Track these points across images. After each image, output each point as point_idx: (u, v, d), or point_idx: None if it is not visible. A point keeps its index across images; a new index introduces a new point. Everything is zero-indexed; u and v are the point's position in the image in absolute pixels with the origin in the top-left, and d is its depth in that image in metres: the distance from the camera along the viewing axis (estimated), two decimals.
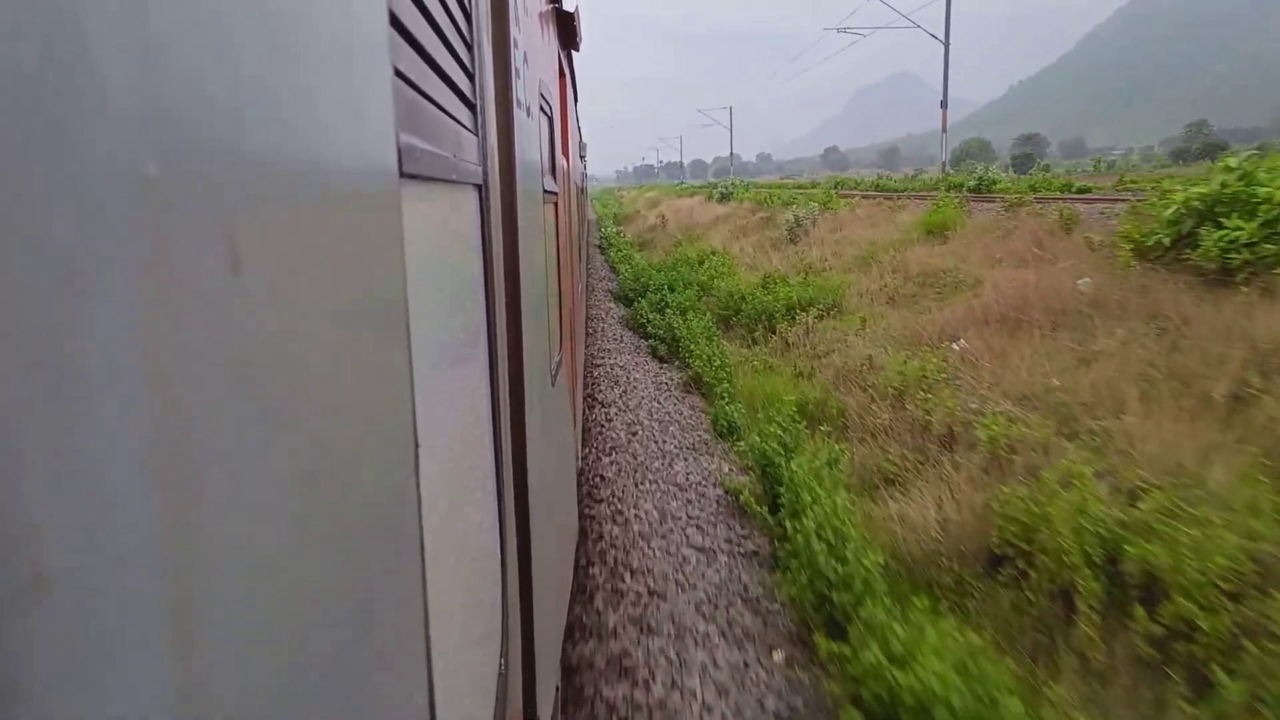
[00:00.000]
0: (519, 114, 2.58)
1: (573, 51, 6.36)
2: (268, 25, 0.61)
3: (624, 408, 12.43)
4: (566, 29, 5.55)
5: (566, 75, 6.21)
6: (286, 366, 0.63)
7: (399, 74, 1.01)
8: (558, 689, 3.94)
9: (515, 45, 2.49)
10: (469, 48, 1.68)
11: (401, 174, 1.00)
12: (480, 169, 1.79)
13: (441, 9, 1.39)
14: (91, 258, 0.40)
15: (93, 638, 0.39)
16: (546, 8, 4.21)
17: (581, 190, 17.85)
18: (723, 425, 11.53)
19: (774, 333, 16.98)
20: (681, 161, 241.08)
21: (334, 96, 0.75)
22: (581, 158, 17.75)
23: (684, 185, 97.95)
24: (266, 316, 0.59)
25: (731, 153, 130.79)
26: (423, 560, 1.04)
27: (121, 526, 0.41)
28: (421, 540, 1.04)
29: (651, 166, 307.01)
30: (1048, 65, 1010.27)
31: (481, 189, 1.82)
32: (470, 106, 1.73)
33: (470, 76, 1.71)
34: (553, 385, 3.82)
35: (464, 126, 1.63)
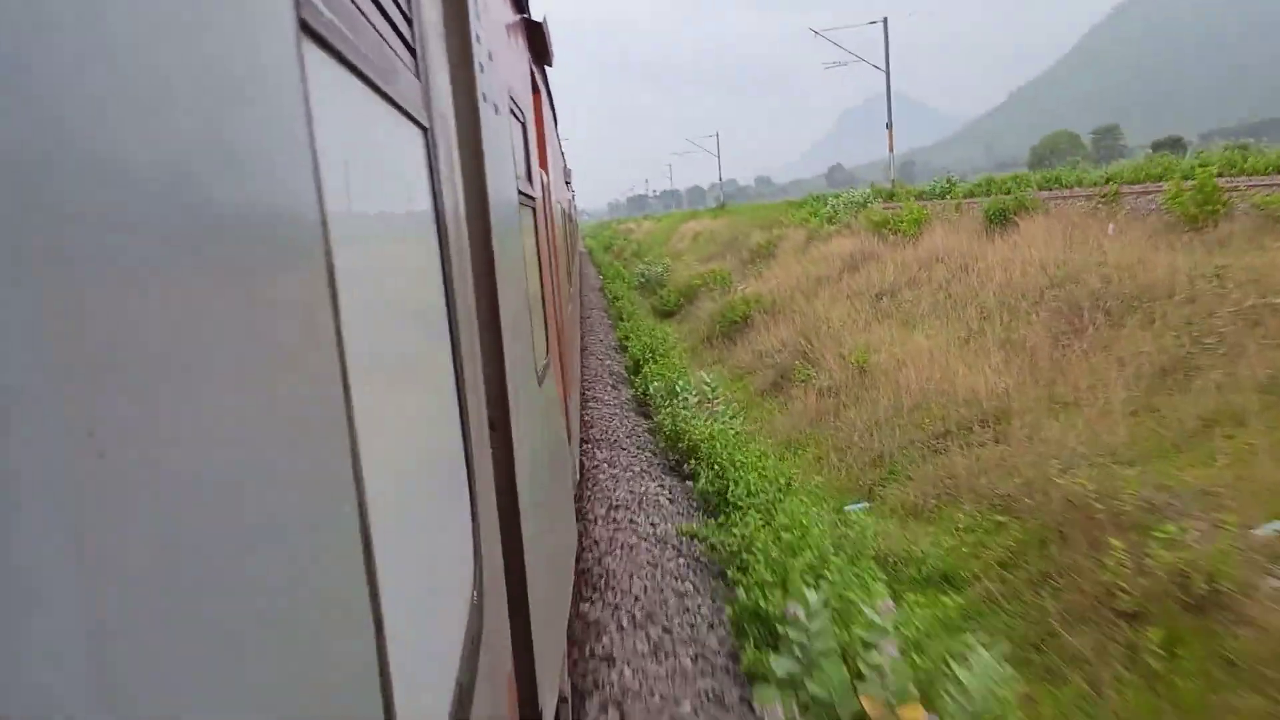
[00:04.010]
0: (485, 108, 2.54)
1: (546, 67, 6.43)
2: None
3: None
4: (537, 41, 5.56)
5: (541, 91, 6.23)
6: (203, 362, 0.62)
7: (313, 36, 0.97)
8: (566, 699, 3.78)
9: (478, 40, 2.46)
10: (409, 22, 1.66)
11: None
12: (425, 114, 1.72)
13: (390, 28, 1.38)
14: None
15: (6, 643, 0.40)
16: (515, 18, 4.24)
17: (569, 217, 17.52)
18: None
19: None
20: (675, 189, 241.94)
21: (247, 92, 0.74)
22: (566, 183, 17.55)
23: (715, 208, 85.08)
24: (184, 312, 0.59)
25: (720, 179, 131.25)
26: (370, 562, 1.01)
27: (31, 534, 0.42)
28: (367, 540, 1.01)
29: (644, 197, 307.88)
30: (1044, 71, 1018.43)
31: (428, 133, 1.75)
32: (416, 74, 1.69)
33: (409, 22, 1.67)
34: (540, 385, 3.79)
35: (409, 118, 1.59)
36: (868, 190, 37.49)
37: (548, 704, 2.94)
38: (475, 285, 2.33)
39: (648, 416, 15.51)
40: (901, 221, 25.59)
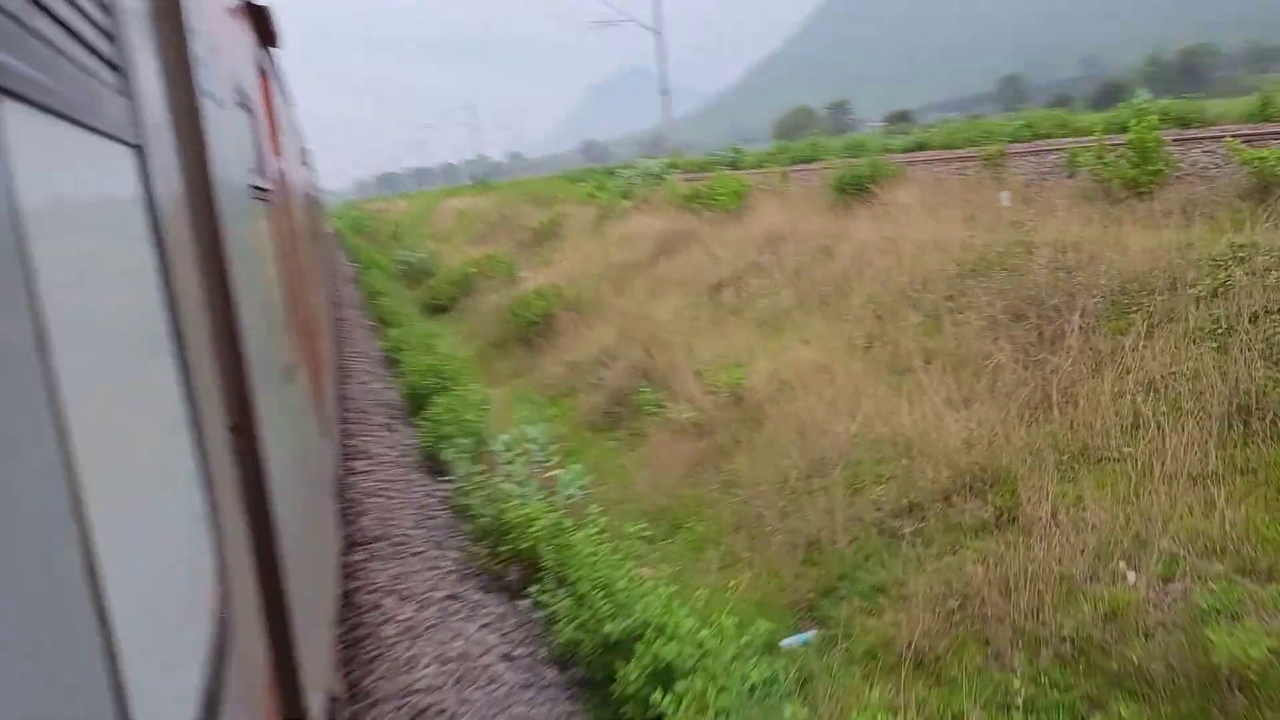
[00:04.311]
0: (206, 106, 2.50)
1: (274, 50, 6.29)
2: None
3: None
4: (262, 25, 5.39)
5: (271, 75, 6.24)
6: None
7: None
8: (337, 698, 3.90)
9: (194, 36, 2.42)
10: (110, 39, 1.61)
11: None
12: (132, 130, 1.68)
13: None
14: None
15: None
16: (236, 3, 4.20)
17: (312, 200, 16.70)
18: None
19: None
20: (427, 166, 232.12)
21: None
22: (306, 163, 16.61)
23: (475, 184, 77.65)
24: None
25: (477, 153, 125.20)
26: (95, 584, 1.01)
27: None
28: (90, 562, 1.01)
29: (395, 174, 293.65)
30: (776, 51, 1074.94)
31: (140, 150, 1.72)
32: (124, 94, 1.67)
33: (111, 39, 1.61)
34: (288, 383, 3.78)
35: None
36: (664, 160, 33.55)
37: (314, 703, 2.93)
38: (206, 288, 2.31)
39: (442, 473, 10.69)
40: (718, 195, 21.79)
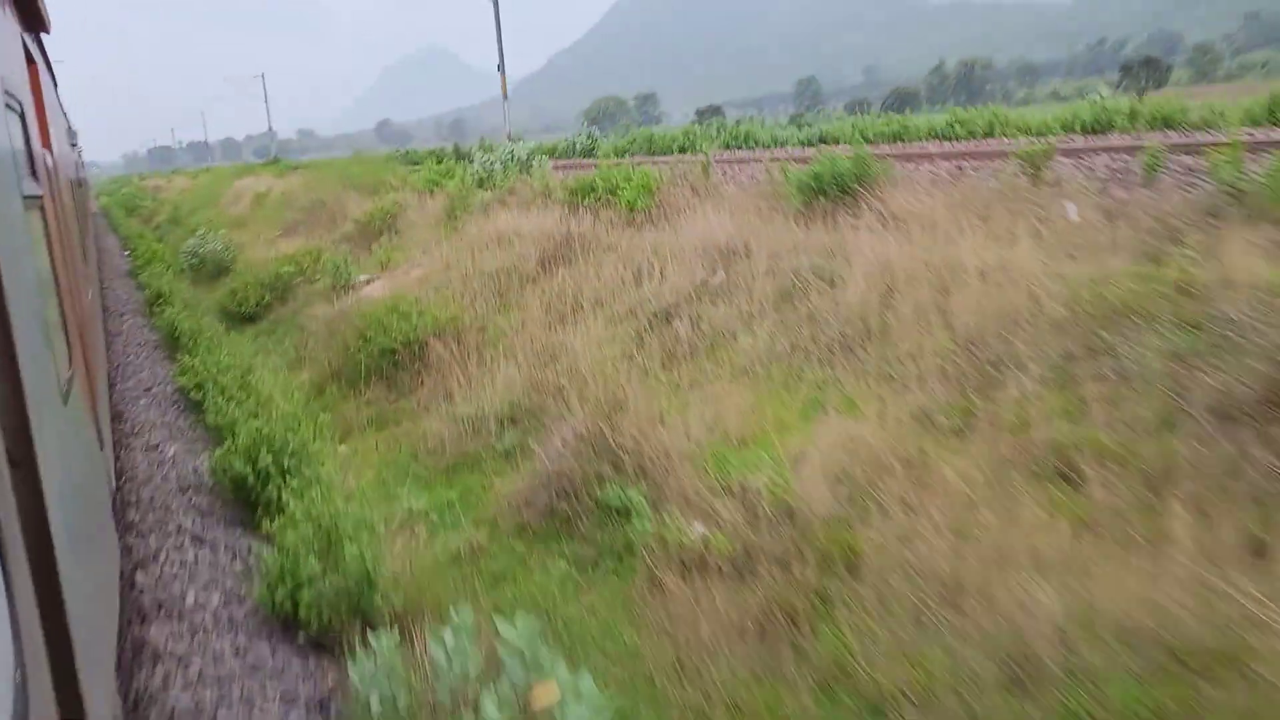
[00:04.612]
0: None
1: (42, 34, 6.03)
2: None
3: None
4: (28, 9, 4.92)
5: (39, 62, 5.84)
6: None
7: None
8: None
9: None
10: None
11: None
12: None
13: None
14: None
15: None
16: None
17: (80, 182, 15.46)
18: None
19: None
20: (206, 140, 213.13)
21: None
22: (74, 145, 15.40)
23: (269, 162, 66.69)
24: None
25: (271, 127, 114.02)
26: None
27: None
28: None
29: (169, 148, 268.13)
30: (576, 40, 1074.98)
31: None
32: None
33: None
34: (65, 403, 3.50)
35: None
36: (533, 144, 28.74)
37: None
38: None
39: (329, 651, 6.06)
40: (619, 189, 17.58)
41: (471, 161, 25.98)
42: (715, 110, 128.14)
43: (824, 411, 8.87)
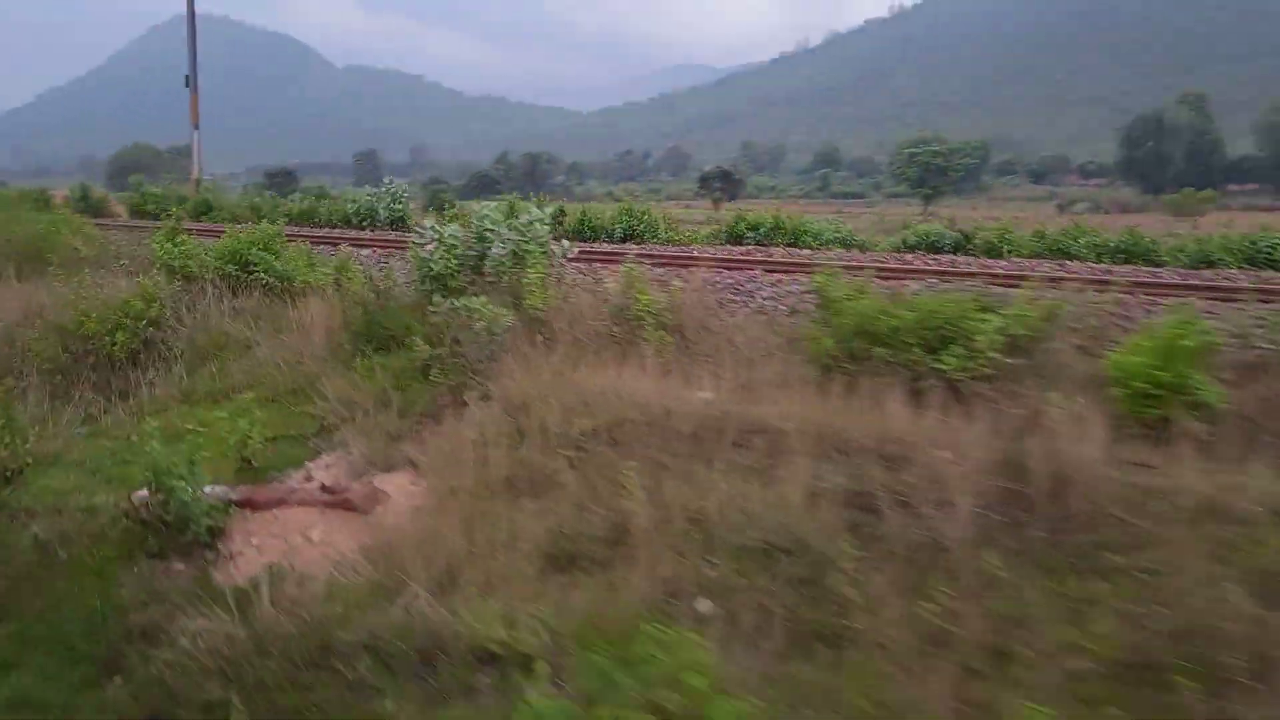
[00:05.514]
0: None
1: None
2: None
3: None
4: None
5: None
6: None
7: None
8: None
9: None
10: None
11: None
12: None
13: None
14: None
15: None
16: None
17: None
18: None
19: None
20: None
21: None
22: None
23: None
24: None
25: None
26: None
27: None
28: None
29: None
30: (76, 79, 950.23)
31: None
32: None
33: None
34: None
35: None
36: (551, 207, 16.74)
37: None
38: None
39: None
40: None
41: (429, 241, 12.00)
42: (288, 174, 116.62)
43: None
